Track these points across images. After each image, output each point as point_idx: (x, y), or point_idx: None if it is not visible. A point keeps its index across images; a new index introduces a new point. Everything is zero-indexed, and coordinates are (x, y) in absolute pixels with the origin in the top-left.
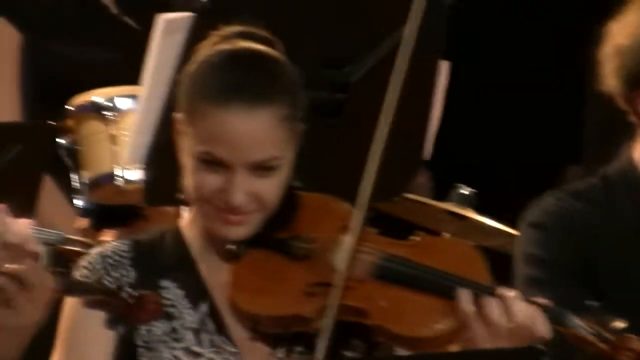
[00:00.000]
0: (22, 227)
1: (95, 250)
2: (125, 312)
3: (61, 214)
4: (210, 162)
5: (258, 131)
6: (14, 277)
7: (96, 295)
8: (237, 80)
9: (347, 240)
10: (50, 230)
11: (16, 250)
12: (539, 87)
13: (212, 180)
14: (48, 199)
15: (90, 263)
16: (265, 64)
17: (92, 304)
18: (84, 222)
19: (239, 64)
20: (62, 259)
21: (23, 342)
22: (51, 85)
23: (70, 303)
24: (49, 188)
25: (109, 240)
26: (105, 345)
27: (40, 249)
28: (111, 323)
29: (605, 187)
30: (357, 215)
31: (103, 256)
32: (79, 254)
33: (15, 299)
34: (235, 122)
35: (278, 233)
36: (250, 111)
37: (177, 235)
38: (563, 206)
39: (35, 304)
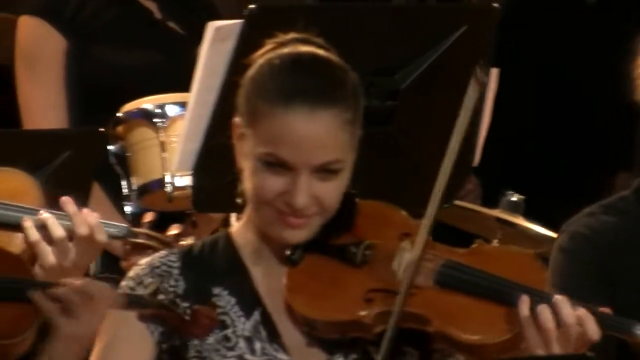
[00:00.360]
0: (91, 217)
1: (142, 261)
2: (180, 327)
3: (110, 221)
4: (273, 164)
5: (321, 133)
6: (77, 288)
7: (151, 309)
8: (300, 83)
9: (409, 246)
10: (116, 224)
11: (85, 242)
12: (589, 92)
13: (275, 182)
14: (97, 206)
15: (138, 275)
16: (328, 67)
17: (146, 318)
18: (149, 216)
19: (302, 67)
20: (113, 266)
21: (81, 351)
22: (96, 91)
23: (111, 314)
24: (98, 195)
25: (174, 235)
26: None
27: (105, 239)
28: (165, 337)
29: (637, 199)
30: (424, 224)
31: (151, 267)
32: (144, 247)
33: (76, 309)
34: (299, 124)
35: (337, 239)
36: (313, 113)
37: (228, 241)
38: (592, 226)
39: (95, 314)
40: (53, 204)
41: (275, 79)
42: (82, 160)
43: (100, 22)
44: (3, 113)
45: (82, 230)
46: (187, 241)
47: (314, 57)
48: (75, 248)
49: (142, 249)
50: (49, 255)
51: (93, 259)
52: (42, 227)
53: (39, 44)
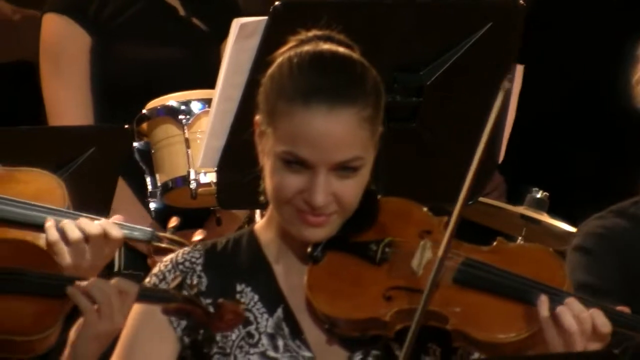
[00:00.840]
0: (95, 222)
1: (166, 258)
2: (205, 321)
3: (134, 217)
4: (292, 163)
5: (340, 131)
6: (103, 287)
7: (176, 303)
8: (319, 81)
9: (429, 244)
10: (142, 227)
11: (100, 242)
12: (615, 89)
13: (294, 181)
14: (122, 202)
15: (161, 271)
16: (347, 65)
17: (171, 312)
18: (174, 220)
19: (321, 65)
20: (139, 263)
21: (103, 347)
22: (121, 88)
23: (134, 308)
24: (122, 191)
25: (199, 240)
26: (166, 354)
27: (120, 234)
28: (189, 331)
29: None
30: (451, 222)
31: (175, 263)
32: (168, 251)
33: (109, 306)
34: (318, 122)
35: (358, 236)
36: (332, 111)
37: (252, 238)
38: (606, 226)
39: (122, 311)
40: (77, 201)
41: (295, 77)
42: (107, 157)
43: (125, 19)
44: (28, 110)
45: (95, 230)
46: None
47: (333, 55)
48: (90, 249)
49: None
50: (65, 255)
51: (109, 259)
52: (61, 229)
53: (64, 42)
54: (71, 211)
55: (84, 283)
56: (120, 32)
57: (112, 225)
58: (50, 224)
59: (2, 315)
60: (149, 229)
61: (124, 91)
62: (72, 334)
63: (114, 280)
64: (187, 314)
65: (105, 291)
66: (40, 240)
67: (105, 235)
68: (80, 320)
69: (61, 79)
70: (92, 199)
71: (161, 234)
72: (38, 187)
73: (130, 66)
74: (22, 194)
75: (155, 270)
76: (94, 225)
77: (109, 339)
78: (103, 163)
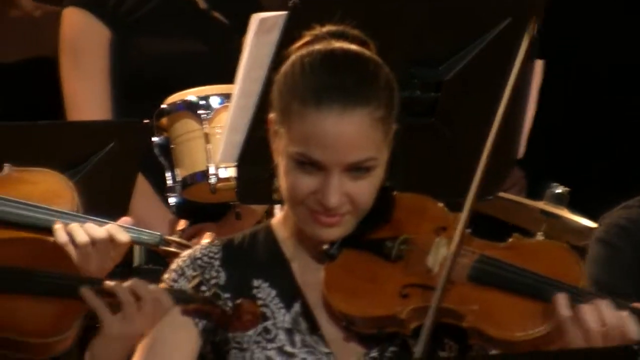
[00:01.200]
0: (102, 226)
1: (184, 253)
2: (223, 321)
3: (154, 212)
4: (305, 164)
5: (352, 132)
6: (126, 287)
7: (196, 304)
8: (330, 82)
9: (444, 241)
10: (148, 231)
11: (106, 246)
12: (635, 82)
13: (307, 182)
14: (141, 197)
15: (179, 267)
16: (360, 64)
17: (190, 313)
18: (182, 224)
19: (332, 65)
20: (158, 258)
21: (124, 351)
22: (140, 82)
23: None
24: (142, 186)
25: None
26: (188, 349)
27: (127, 238)
28: (209, 331)
29: None
30: (462, 220)
31: (193, 259)
32: (176, 255)
33: (125, 308)
34: (329, 123)
35: (373, 233)
36: (344, 112)
37: (269, 234)
38: (630, 218)
39: (143, 315)
40: (97, 196)
41: (307, 77)
42: (126, 152)
43: (144, 12)
44: (48, 106)
45: (101, 234)
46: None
47: (345, 53)
48: (97, 253)
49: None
50: (73, 257)
51: (116, 262)
52: (69, 231)
53: (83, 36)
54: (78, 214)
55: (128, 282)
56: (139, 26)
57: (119, 230)
58: (59, 226)
59: (19, 316)
60: (157, 232)
61: (142, 85)
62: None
63: (130, 280)
64: (206, 314)
65: (116, 287)
66: None
67: (111, 240)
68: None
69: (80, 73)
70: (111, 194)
71: (169, 237)
72: (47, 188)
73: (149, 60)
74: (30, 195)
75: (174, 265)
76: (101, 229)
77: (127, 343)
78: (122, 158)
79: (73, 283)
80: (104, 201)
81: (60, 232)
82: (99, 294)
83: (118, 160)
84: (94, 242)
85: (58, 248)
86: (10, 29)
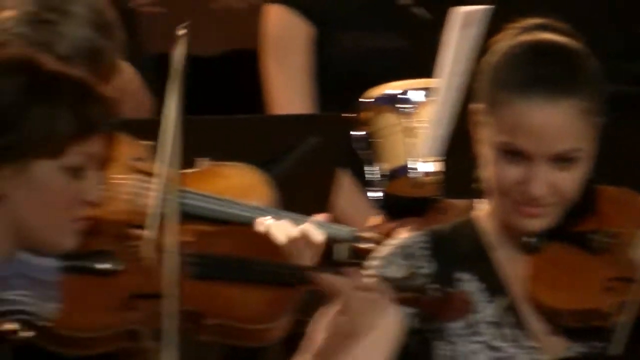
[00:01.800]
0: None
1: (393, 242)
2: (434, 310)
3: (355, 206)
4: (510, 153)
5: (559, 123)
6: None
7: (407, 292)
8: (539, 72)
9: None
10: (344, 227)
11: (302, 244)
12: None
13: (512, 172)
14: (343, 191)
15: (389, 254)
16: (568, 55)
17: (400, 300)
18: (377, 219)
19: (541, 55)
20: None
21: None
22: (342, 77)
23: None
24: (343, 180)
25: (401, 237)
26: (393, 336)
27: (322, 237)
28: (418, 319)
29: None
30: None
31: (402, 247)
32: (369, 252)
33: (354, 303)
34: (537, 113)
35: (577, 226)
36: (551, 102)
37: (472, 227)
38: None
39: (370, 311)
40: (298, 190)
41: (515, 68)
42: (328, 146)
43: (347, 7)
44: (247, 98)
45: (296, 234)
46: None
47: (553, 44)
48: (292, 252)
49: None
50: None
51: (314, 259)
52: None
53: (287, 32)
54: (275, 210)
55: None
56: (342, 21)
57: (314, 229)
58: (261, 225)
59: (233, 303)
60: (352, 228)
61: (342, 80)
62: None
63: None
64: (416, 302)
65: (347, 282)
66: None
67: (306, 240)
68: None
69: (284, 70)
70: (312, 188)
71: (365, 234)
72: (242, 182)
73: (351, 55)
74: (226, 189)
75: (382, 253)
76: (295, 230)
77: (352, 340)
78: (324, 152)
79: (290, 272)
80: (305, 196)
81: (261, 230)
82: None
83: (319, 154)
84: (290, 242)
85: (266, 238)
86: (211, 21)
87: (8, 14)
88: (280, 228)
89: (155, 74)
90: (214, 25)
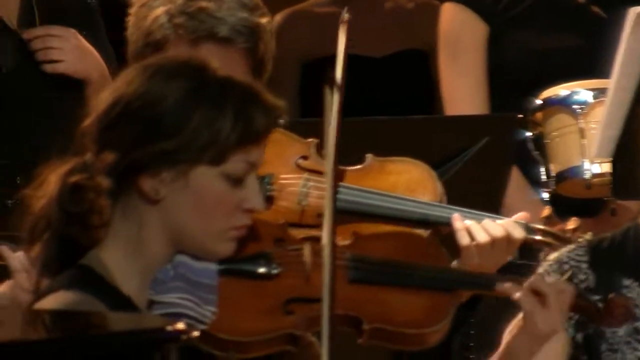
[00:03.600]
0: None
1: (551, 257)
2: (596, 317)
3: (526, 206)
4: None
5: None
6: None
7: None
8: None
9: None
10: (522, 222)
11: (503, 243)
12: None
13: None
14: (516, 192)
15: (546, 271)
16: None
17: (573, 308)
18: (547, 210)
19: None
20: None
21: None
22: (513, 76)
23: None
24: (518, 181)
25: (573, 229)
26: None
27: (522, 235)
28: (580, 326)
29: None
30: None
31: (559, 263)
32: (543, 244)
33: (551, 304)
34: None
35: None
36: None
37: (638, 231)
38: None
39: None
40: (471, 190)
41: None
42: (501, 146)
43: (522, 7)
44: (420, 99)
45: (499, 232)
46: (586, 236)
47: None
48: (494, 252)
49: (542, 244)
50: (474, 256)
51: (507, 258)
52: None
53: (463, 31)
54: (474, 211)
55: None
56: (517, 21)
57: (515, 226)
58: (460, 225)
59: (395, 308)
60: (522, 222)
61: (515, 80)
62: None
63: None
64: (578, 308)
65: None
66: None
67: (508, 238)
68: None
69: (459, 69)
70: (484, 188)
71: (534, 225)
72: (410, 178)
73: (526, 55)
74: (394, 185)
75: (541, 269)
76: (498, 227)
77: (542, 341)
78: (497, 152)
79: (451, 277)
80: (477, 195)
81: (462, 233)
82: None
83: (492, 154)
84: (493, 241)
85: (430, 243)
86: (384, 22)
87: (160, 10)
88: (483, 227)
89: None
90: (386, 25)
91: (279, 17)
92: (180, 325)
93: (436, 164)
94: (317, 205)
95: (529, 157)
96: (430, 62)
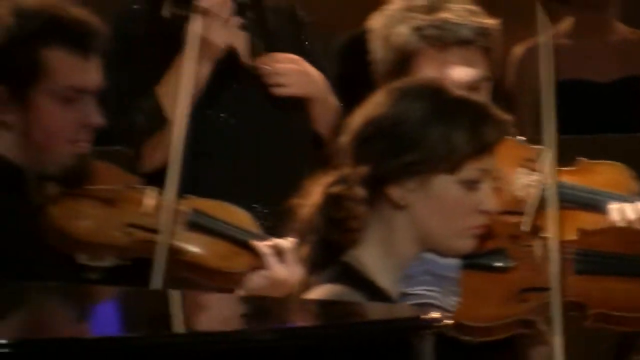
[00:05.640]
0: None
1: None
2: None
3: None
4: None
5: None
6: None
7: None
8: None
9: None
10: None
11: None
12: None
13: None
14: None
15: None
16: None
17: None
18: None
19: None
20: None
21: None
22: None
23: None
24: None
25: None
26: None
27: None
28: None
29: None
30: None
31: None
32: None
33: None
34: None
35: None
36: None
37: None
38: None
39: None
40: None
41: None
42: None
43: None
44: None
45: None
46: None
47: None
48: None
49: None
50: None
51: None
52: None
53: None
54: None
55: None
56: None
57: None
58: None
59: (614, 294)
60: None
61: None
62: None
63: None
64: None
65: None
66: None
67: None
68: None
69: None
70: None
71: None
72: (609, 178)
73: None
74: (595, 184)
75: None
76: None
77: None
78: None
79: None
80: None
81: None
82: None
83: None
84: None
85: None
86: (610, 51)
87: (404, 28)
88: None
89: None
90: (611, 54)
91: (519, 49)
92: (435, 314)
93: None
94: (533, 196)
95: None
96: None
